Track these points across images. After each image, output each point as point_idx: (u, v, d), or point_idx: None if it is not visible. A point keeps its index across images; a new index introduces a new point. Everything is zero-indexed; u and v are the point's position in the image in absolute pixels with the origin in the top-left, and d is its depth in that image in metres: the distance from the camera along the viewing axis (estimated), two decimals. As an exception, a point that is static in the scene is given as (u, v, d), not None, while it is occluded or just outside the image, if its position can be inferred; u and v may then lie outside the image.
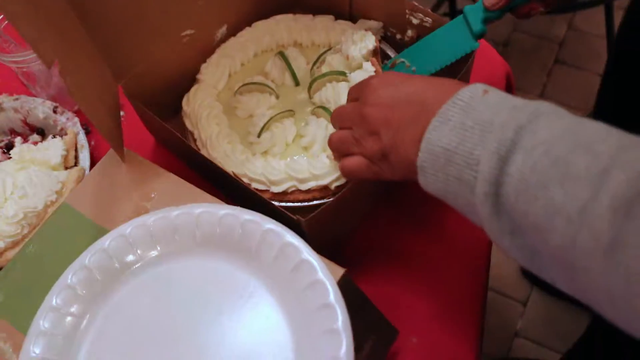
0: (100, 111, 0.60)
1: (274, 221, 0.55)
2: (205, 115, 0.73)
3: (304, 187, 0.68)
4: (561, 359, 1.25)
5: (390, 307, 0.65)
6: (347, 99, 0.64)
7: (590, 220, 0.37)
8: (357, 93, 0.60)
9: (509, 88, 0.88)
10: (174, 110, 0.79)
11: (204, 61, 0.79)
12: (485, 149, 0.45)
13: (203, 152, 0.71)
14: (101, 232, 0.59)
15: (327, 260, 0.54)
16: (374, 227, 0.74)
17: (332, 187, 0.68)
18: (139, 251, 0.57)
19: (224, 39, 0.81)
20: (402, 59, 0.74)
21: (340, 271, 0.54)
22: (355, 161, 0.60)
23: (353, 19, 0.82)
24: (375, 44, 0.75)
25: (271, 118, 0.73)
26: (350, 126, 0.59)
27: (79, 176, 0.75)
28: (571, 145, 0.40)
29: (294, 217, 0.59)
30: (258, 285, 0.54)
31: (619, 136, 0.40)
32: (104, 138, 0.60)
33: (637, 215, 0.35)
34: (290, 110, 0.75)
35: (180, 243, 0.57)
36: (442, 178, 0.49)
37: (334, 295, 0.50)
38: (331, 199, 0.67)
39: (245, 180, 0.69)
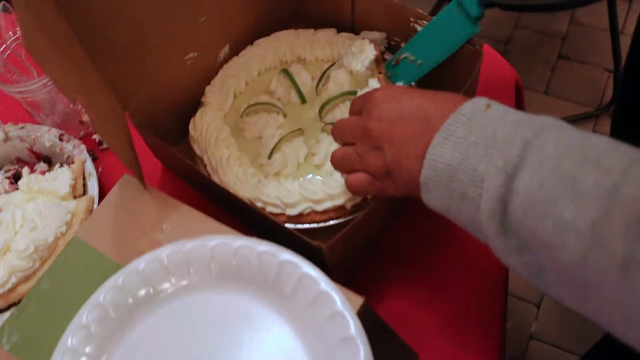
0: (122, 143, 0.59)
1: (290, 252, 0.54)
2: (214, 139, 0.72)
3: (319, 208, 0.67)
4: None
5: (408, 327, 0.64)
6: (350, 112, 0.63)
7: (603, 237, 0.37)
8: (360, 106, 0.59)
9: (519, 94, 0.86)
10: (181, 134, 0.78)
11: (208, 83, 0.79)
12: (490, 164, 0.44)
13: (214, 178, 0.70)
14: (114, 266, 0.58)
15: (345, 289, 0.53)
16: (385, 244, 0.72)
17: (348, 206, 0.67)
18: (153, 286, 0.56)
19: (226, 59, 0.80)
20: (406, 54, 0.73)
21: (359, 300, 0.52)
22: (358, 178, 0.59)
23: (355, 31, 0.81)
24: (375, 53, 0.74)
25: (281, 138, 0.72)
26: (353, 141, 0.59)
27: (88, 206, 0.75)
28: (579, 160, 0.40)
29: (314, 243, 0.57)
30: (276, 318, 0.53)
31: (627, 150, 0.40)
32: (129, 170, 0.60)
33: None
34: (300, 129, 0.74)
35: (196, 276, 0.56)
36: (446, 195, 0.48)
37: (354, 328, 0.49)
38: (349, 218, 0.67)
39: (259, 204, 0.68)
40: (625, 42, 1.72)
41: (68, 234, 0.73)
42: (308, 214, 0.68)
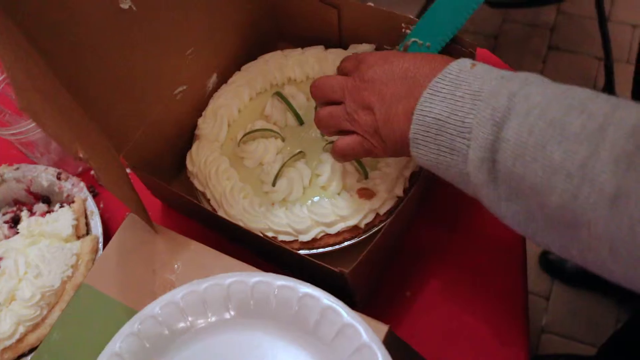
0: (125, 190, 0.58)
1: (309, 285, 0.52)
2: (214, 172, 0.70)
3: (333, 230, 0.66)
4: (598, 352, 1.23)
5: (433, 344, 0.64)
6: (338, 71, 0.63)
7: (592, 174, 0.39)
8: (351, 67, 0.60)
9: None
10: (178, 169, 0.77)
11: (200, 114, 0.77)
12: (477, 116, 0.46)
13: (220, 212, 0.69)
14: (127, 312, 0.57)
15: (368, 318, 0.52)
16: (399, 261, 0.71)
17: (362, 225, 0.66)
18: (171, 330, 0.54)
19: (215, 88, 0.79)
20: (414, 39, 0.71)
21: (384, 328, 0.52)
22: (348, 139, 0.59)
23: (344, 45, 0.80)
24: None
25: (284, 164, 0.70)
26: (340, 99, 0.59)
27: (93, 245, 0.73)
28: (565, 107, 0.42)
29: (336, 270, 0.56)
30: (300, 354, 0.52)
31: (609, 97, 0.42)
32: (136, 214, 0.59)
33: (638, 167, 0.37)
34: (301, 152, 0.72)
35: (214, 316, 0.54)
36: (434, 149, 0.50)
37: (382, 359, 0.48)
38: (363, 237, 0.66)
39: (270, 234, 0.66)
40: (613, 29, 1.72)
41: (75, 277, 0.71)
42: (321, 238, 0.66)
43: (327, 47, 0.80)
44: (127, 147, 0.67)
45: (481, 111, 0.46)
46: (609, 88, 1.72)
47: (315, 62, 0.78)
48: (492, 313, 0.67)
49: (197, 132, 0.76)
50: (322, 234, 0.66)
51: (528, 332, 0.67)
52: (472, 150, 0.46)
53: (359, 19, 0.76)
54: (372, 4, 0.73)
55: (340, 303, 0.51)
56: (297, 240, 0.66)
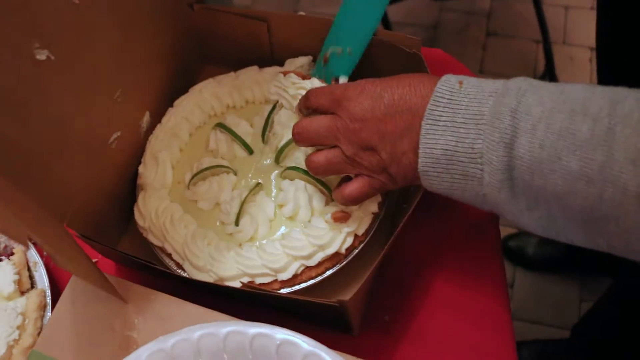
0: (82, 265, 0.51)
1: (286, 330, 0.48)
2: (169, 223, 0.63)
3: (312, 262, 0.61)
4: (572, 333, 1.24)
5: None
6: (310, 102, 0.59)
7: (613, 177, 0.40)
8: (329, 104, 0.57)
9: None
10: (125, 222, 0.70)
11: (138, 159, 0.70)
12: (486, 140, 0.47)
13: (186, 265, 0.62)
14: (87, 379, 0.51)
15: (351, 358, 0.50)
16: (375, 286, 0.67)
17: (343, 250, 0.61)
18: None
19: (150, 128, 0.71)
20: (331, 49, 0.68)
21: None
22: (357, 184, 0.57)
23: (276, 59, 0.75)
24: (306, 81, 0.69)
25: (243, 202, 0.64)
26: (333, 143, 0.57)
27: (40, 301, 0.65)
28: (567, 113, 0.43)
29: (334, 303, 0.51)
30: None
31: (603, 92, 0.43)
32: (101, 288, 0.52)
33: None
34: (258, 184, 0.66)
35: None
36: (447, 178, 0.50)
37: None
38: (345, 262, 0.62)
39: (245, 279, 0.60)
40: (546, 12, 1.74)
41: (23, 340, 0.63)
42: (302, 272, 0.61)
43: (260, 65, 0.75)
44: (69, 214, 0.59)
45: (488, 135, 0.46)
46: (549, 70, 1.75)
47: (253, 84, 0.73)
48: (476, 328, 0.65)
49: (139, 181, 0.68)
50: (302, 269, 0.61)
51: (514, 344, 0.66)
52: (488, 174, 0.47)
53: (289, 30, 0.72)
54: (303, 13, 0.68)
55: (322, 347, 0.47)
56: (277, 279, 0.60)
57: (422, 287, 0.67)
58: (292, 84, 0.69)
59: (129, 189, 0.69)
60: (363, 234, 0.62)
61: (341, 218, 0.61)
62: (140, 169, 0.69)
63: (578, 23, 1.92)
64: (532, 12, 1.74)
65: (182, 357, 0.49)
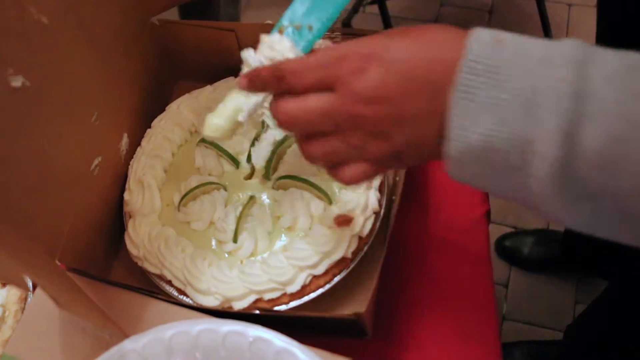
0: (81, 303, 0.49)
1: (259, 327, 0.48)
2: (164, 248, 0.61)
3: (319, 271, 0.58)
4: (566, 334, 1.24)
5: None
6: (298, 81, 0.44)
7: None
8: (325, 78, 0.43)
9: None
10: (114, 250, 0.68)
11: (121, 184, 0.67)
12: (539, 126, 0.37)
13: (188, 290, 0.59)
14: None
15: (327, 354, 0.48)
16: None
17: (349, 255, 0.59)
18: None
19: (130, 151, 0.68)
20: (286, 24, 0.53)
21: None
22: (359, 173, 0.46)
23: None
24: None
25: (240, 217, 0.62)
26: (332, 129, 0.44)
27: (21, 294, 0.65)
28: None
29: (351, 316, 0.49)
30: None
31: None
32: (101, 327, 0.51)
33: None
34: (251, 197, 0.64)
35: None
36: (481, 168, 0.40)
37: None
38: (352, 266, 0.60)
39: (253, 297, 0.58)
40: (549, 9, 1.72)
41: (2, 332, 0.63)
42: (310, 282, 0.59)
43: (235, 75, 0.72)
44: (59, 249, 0.56)
45: (545, 121, 0.37)
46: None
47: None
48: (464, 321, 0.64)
49: (126, 209, 0.66)
50: (309, 278, 0.58)
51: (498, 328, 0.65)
52: (537, 168, 0.38)
53: (258, 35, 0.69)
54: (270, 22, 0.64)
55: (295, 343, 0.47)
56: (286, 293, 0.58)
57: (410, 284, 0.66)
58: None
59: (116, 215, 0.67)
60: (367, 235, 0.60)
61: (344, 222, 0.59)
62: (126, 196, 0.66)
63: (581, 20, 1.90)
64: (535, 9, 1.72)
65: (155, 356, 0.48)
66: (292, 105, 0.45)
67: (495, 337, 0.64)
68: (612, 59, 0.37)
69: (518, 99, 0.38)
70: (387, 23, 1.75)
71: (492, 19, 1.95)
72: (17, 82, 0.48)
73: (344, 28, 1.97)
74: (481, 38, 0.40)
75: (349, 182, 0.47)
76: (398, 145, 0.43)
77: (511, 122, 0.38)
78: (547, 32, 1.73)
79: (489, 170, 0.40)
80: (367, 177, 0.46)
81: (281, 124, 0.46)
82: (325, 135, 0.45)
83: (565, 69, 0.37)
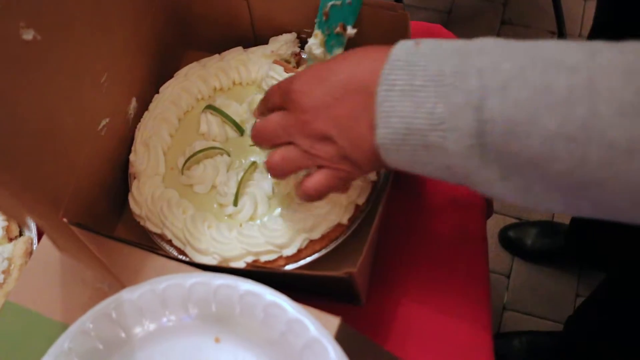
0: (82, 252, 0.51)
1: (249, 281, 0.50)
2: (167, 209, 0.62)
3: (316, 235, 0.60)
4: (566, 325, 1.24)
5: (393, 332, 0.62)
6: (263, 108, 0.56)
7: (598, 134, 0.36)
8: (280, 100, 0.53)
9: None
10: (119, 210, 0.69)
11: (127, 147, 0.68)
12: (448, 104, 0.42)
13: (188, 250, 0.61)
14: (58, 327, 0.52)
15: (317, 312, 0.49)
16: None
17: (345, 221, 0.60)
18: (105, 344, 0.50)
19: (137, 115, 0.70)
20: (330, 2, 0.64)
21: (335, 321, 0.49)
22: (317, 177, 0.52)
23: (261, 40, 0.74)
24: (291, 63, 0.69)
25: (241, 181, 0.63)
26: (289, 140, 0.52)
27: (26, 248, 0.67)
28: (541, 68, 0.39)
29: (342, 275, 0.50)
30: (247, 355, 0.49)
31: (581, 45, 0.39)
32: (101, 276, 0.53)
33: None
34: (253, 162, 0.65)
35: (152, 324, 0.50)
36: (407, 150, 0.45)
37: (334, 354, 0.46)
38: (348, 233, 0.61)
39: (250, 258, 0.59)
40: (565, 3, 1.72)
41: (7, 284, 0.65)
42: (307, 246, 0.60)
43: (244, 46, 0.74)
44: (64, 204, 0.57)
45: (451, 98, 0.41)
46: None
47: (239, 65, 0.71)
48: (455, 299, 0.64)
49: (131, 170, 0.67)
50: (306, 242, 0.60)
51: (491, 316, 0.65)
52: (453, 142, 0.42)
53: (270, 7, 0.70)
54: None
55: (285, 297, 0.48)
56: (282, 256, 0.60)
57: (403, 258, 0.67)
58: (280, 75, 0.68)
59: (121, 177, 0.68)
60: (363, 203, 0.62)
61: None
62: (132, 157, 0.67)
63: (597, 15, 1.89)
64: (550, 3, 1.71)
65: (149, 306, 0.50)
66: (259, 123, 0.55)
67: (487, 313, 0.64)
68: (520, 43, 0.42)
69: (430, 83, 0.42)
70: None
71: (506, 11, 1.94)
72: (28, 35, 0.49)
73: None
74: (404, 43, 0.46)
75: (312, 191, 0.52)
76: (342, 145, 0.49)
77: (425, 103, 0.42)
78: (560, 26, 1.71)
79: (415, 152, 0.44)
80: (328, 184, 0.52)
81: (252, 139, 0.56)
82: (284, 146, 0.53)
83: (472, 55, 0.42)
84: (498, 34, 1.89)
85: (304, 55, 0.72)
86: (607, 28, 0.96)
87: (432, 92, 0.42)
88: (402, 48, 0.45)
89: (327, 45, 0.65)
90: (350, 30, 0.64)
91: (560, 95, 0.37)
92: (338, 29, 0.64)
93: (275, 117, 0.53)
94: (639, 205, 0.38)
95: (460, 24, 1.90)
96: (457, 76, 0.41)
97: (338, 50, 0.65)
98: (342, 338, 0.47)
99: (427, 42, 0.45)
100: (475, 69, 0.41)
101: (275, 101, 0.54)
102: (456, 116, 0.41)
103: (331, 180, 0.52)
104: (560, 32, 1.72)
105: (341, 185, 0.53)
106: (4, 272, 0.65)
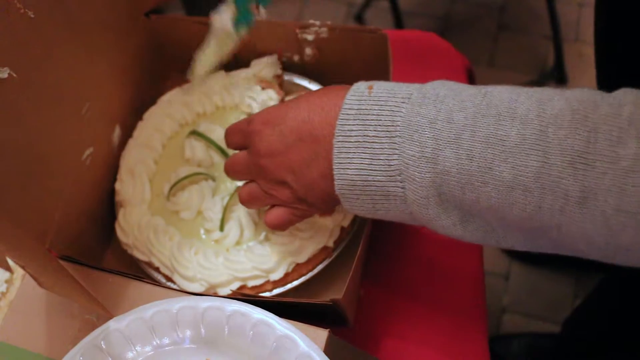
0: (67, 286, 0.51)
1: (235, 302, 0.50)
2: (153, 237, 0.62)
3: (302, 259, 0.60)
4: (563, 327, 1.25)
5: (390, 342, 0.63)
6: (229, 142, 0.58)
7: (551, 183, 0.38)
8: (240, 140, 0.55)
9: (471, 81, 0.84)
10: (106, 239, 0.69)
11: (113, 175, 0.68)
12: (402, 156, 0.43)
13: (175, 277, 0.61)
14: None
15: (305, 326, 0.50)
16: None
17: (331, 244, 0.61)
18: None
19: (121, 142, 0.70)
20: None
21: (323, 334, 0.50)
22: (276, 214, 0.55)
23: (242, 63, 0.74)
24: (275, 88, 0.69)
25: (226, 207, 0.64)
26: (251, 178, 0.55)
27: (8, 277, 0.67)
28: (493, 118, 0.40)
29: (328, 302, 0.51)
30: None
31: (528, 91, 0.40)
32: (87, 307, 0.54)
33: (595, 162, 0.36)
34: (238, 187, 0.65)
35: (140, 355, 0.52)
36: (367, 199, 0.46)
37: None
38: (334, 255, 0.62)
39: (237, 284, 0.60)
40: (560, 9, 1.72)
41: (10, 293, 0.63)
42: (293, 270, 0.61)
43: (225, 70, 0.73)
44: (50, 236, 0.58)
45: (406, 149, 0.42)
46: (558, 67, 1.73)
47: (222, 89, 0.71)
48: (450, 307, 0.65)
49: (117, 198, 0.67)
50: (292, 266, 0.60)
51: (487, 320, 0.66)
52: (411, 191, 0.43)
53: (250, 34, 0.70)
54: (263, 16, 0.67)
55: (272, 315, 0.49)
56: (269, 280, 0.60)
57: (395, 262, 0.68)
58: (266, 99, 0.69)
59: (108, 205, 0.69)
60: (349, 225, 0.62)
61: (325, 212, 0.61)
62: (117, 185, 0.68)
63: (591, 21, 1.88)
64: (545, 8, 1.72)
65: (138, 334, 0.51)
66: (228, 160, 0.58)
67: (484, 319, 0.65)
68: (471, 90, 0.42)
69: (384, 134, 0.43)
70: (398, 18, 1.76)
71: (503, 17, 1.95)
72: (3, 74, 0.50)
73: (356, 22, 1.98)
74: (357, 88, 0.47)
75: (272, 223, 0.55)
76: (296, 189, 0.51)
77: (380, 155, 0.44)
78: (556, 32, 1.72)
79: (372, 201, 0.46)
80: (286, 219, 0.54)
81: (225, 173, 0.58)
82: (250, 182, 0.56)
83: (425, 106, 0.42)
84: (495, 39, 1.90)
85: (285, 77, 0.73)
86: (607, 34, 0.96)
87: (386, 143, 0.43)
88: (355, 94, 0.46)
89: (236, 21, 0.65)
90: (263, 14, 0.64)
91: (512, 145, 0.39)
92: (252, 10, 0.64)
93: (241, 156, 0.55)
94: (595, 246, 0.39)
95: (456, 30, 1.91)
96: (409, 128, 0.42)
97: (243, 30, 0.65)
98: (331, 351, 0.48)
99: (378, 87, 0.46)
100: (427, 120, 0.42)
101: (236, 141, 0.56)
102: (410, 168, 0.42)
103: (290, 216, 0.54)
104: (556, 38, 1.72)
105: (299, 220, 0.55)
106: (6, 281, 0.64)
